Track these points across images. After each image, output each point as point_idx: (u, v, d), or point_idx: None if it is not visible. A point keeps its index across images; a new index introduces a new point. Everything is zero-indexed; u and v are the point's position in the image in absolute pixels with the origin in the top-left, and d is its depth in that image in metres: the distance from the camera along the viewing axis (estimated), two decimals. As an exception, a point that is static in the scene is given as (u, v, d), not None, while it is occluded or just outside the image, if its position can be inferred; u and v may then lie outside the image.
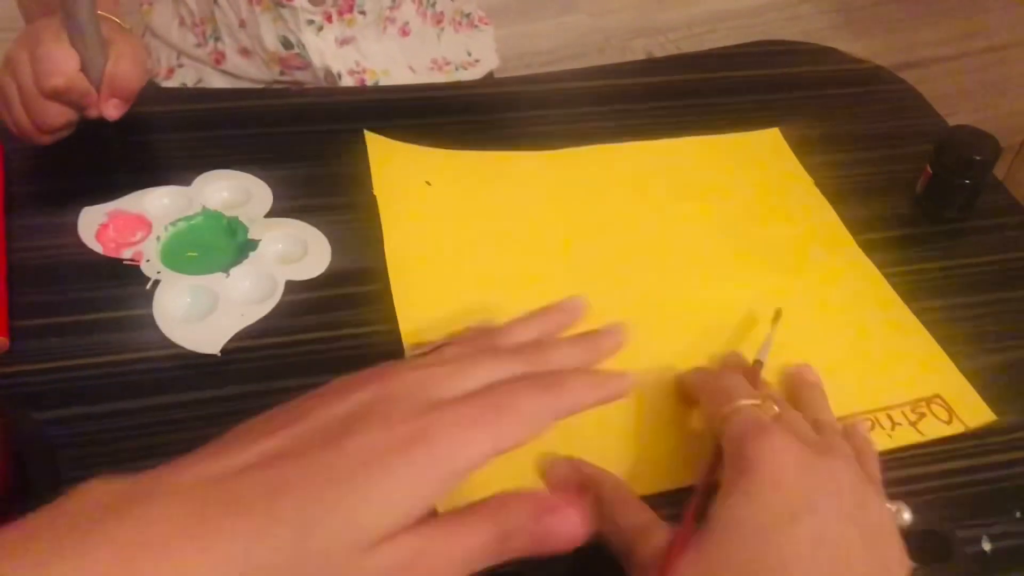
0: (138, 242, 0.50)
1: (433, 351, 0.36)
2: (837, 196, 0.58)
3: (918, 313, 0.50)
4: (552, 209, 0.55)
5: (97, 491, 0.28)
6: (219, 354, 0.44)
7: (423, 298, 0.48)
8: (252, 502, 0.28)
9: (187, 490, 0.28)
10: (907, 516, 0.38)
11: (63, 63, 0.50)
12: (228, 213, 0.52)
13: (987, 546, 0.40)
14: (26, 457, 0.39)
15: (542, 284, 0.50)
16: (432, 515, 0.29)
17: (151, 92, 0.63)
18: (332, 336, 0.47)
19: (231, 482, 0.29)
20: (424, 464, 0.29)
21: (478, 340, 0.37)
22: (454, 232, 0.53)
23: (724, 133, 0.62)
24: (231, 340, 0.45)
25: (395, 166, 0.56)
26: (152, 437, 0.41)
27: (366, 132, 0.58)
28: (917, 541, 0.38)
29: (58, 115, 0.52)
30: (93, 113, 0.52)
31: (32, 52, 0.51)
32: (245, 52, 0.74)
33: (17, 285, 0.47)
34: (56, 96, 0.51)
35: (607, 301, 0.49)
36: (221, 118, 0.60)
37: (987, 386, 0.46)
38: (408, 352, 0.45)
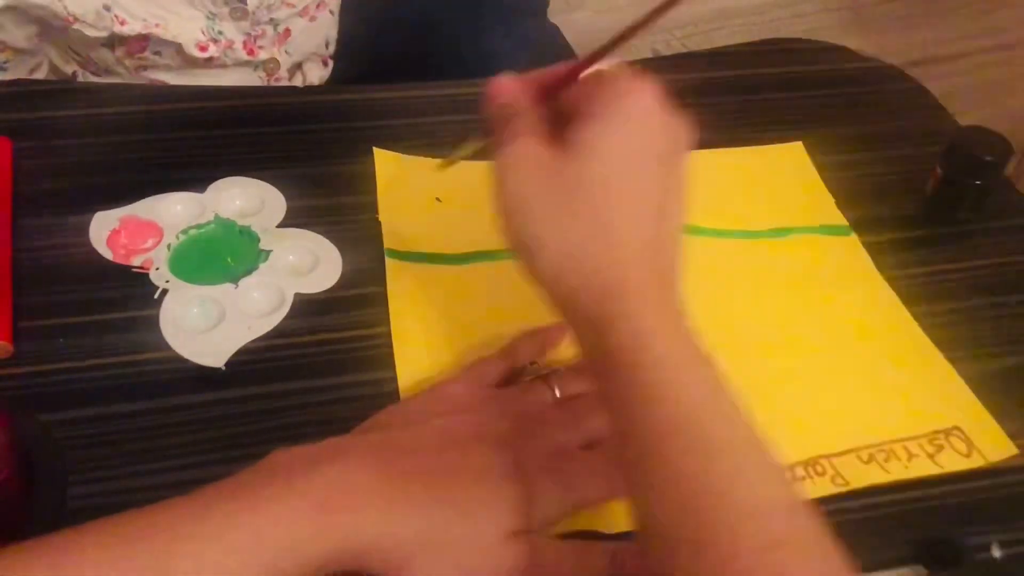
0: (149, 249, 0.50)
1: (536, 379, 0.43)
2: (846, 197, 0.58)
3: (927, 316, 0.50)
4: None
5: (283, 457, 0.34)
6: (223, 368, 0.44)
7: (425, 350, 0.46)
8: (426, 479, 0.35)
9: (367, 456, 0.35)
10: (997, 553, 0.39)
11: None
12: (241, 222, 0.52)
13: (997, 553, 0.39)
14: (33, 458, 0.39)
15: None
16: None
17: (165, 90, 0.63)
18: (336, 339, 0.47)
19: (405, 457, 0.35)
20: (558, 489, 0.37)
21: (582, 376, 0.43)
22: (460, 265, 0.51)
23: (739, 136, 0.61)
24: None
25: (404, 184, 0.55)
26: (157, 439, 0.41)
27: (375, 149, 0.57)
28: (927, 548, 0.38)
29: None
30: None
31: None
32: None
33: (25, 286, 0.47)
34: None
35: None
36: (239, 116, 0.59)
37: (999, 390, 0.46)
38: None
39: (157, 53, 0.66)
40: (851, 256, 0.54)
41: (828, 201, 0.58)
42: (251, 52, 0.68)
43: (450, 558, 0.34)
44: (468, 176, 0.57)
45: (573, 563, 0.36)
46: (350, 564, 0.33)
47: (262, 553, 0.31)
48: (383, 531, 0.33)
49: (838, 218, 0.57)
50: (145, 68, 0.68)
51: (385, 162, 0.57)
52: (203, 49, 0.66)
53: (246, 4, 0.66)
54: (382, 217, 0.53)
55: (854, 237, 0.55)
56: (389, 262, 0.50)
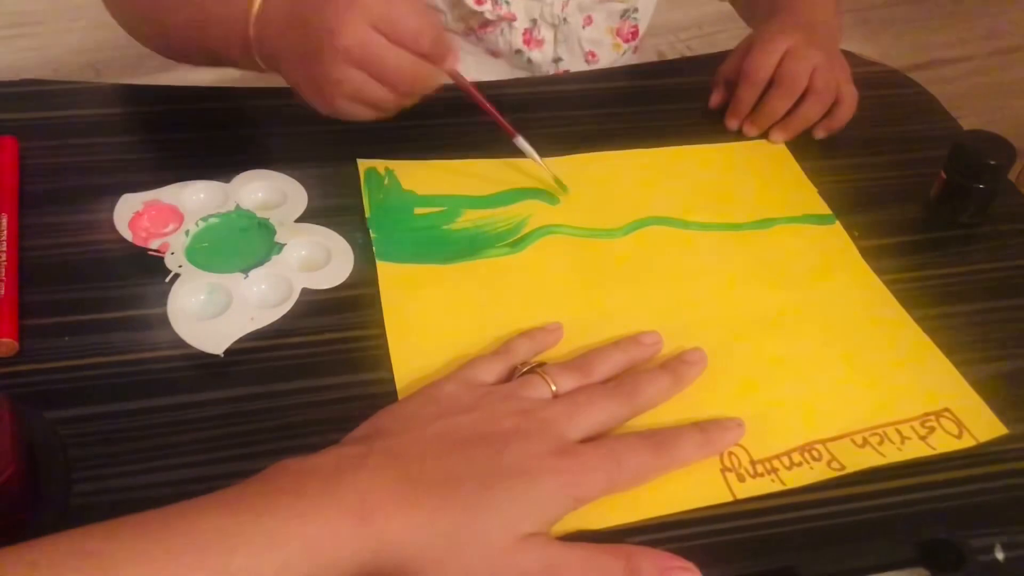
0: (168, 234, 0.50)
1: (530, 371, 0.43)
2: (850, 201, 0.58)
3: (932, 319, 0.50)
4: (551, 221, 0.54)
5: (293, 467, 0.35)
6: (222, 355, 0.44)
7: (421, 349, 0.46)
8: (434, 484, 0.35)
9: (385, 465, 0.35)
10: (1000, 555, 0.39)
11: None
12: (261, 214, 0.52)
13: (1000, 555, 0.39)
14: (37, 456, 0.39)
15: (545, 305, 0.49)
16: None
17: (176, 91, 0.63)
18: (341, 338, 0.47)
19: (415, 463, 0.36)
20: (561, 485, 0.37)
21: (576, 370, 0.43)
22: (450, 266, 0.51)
23: (742, 139, 0.62)
24: (241, 341, 0.45)
25: (389, 191, 0.56)
26: (161, 437, 0.41)
27: (359, 160, 0.57)
28: (929, 550, 0.38)
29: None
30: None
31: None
32: None
33: (30, 284, 0.47)
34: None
35: (608, 313, 0.49)
36: (268, 115, 0.59)
37: (1003, 393, 0.46)
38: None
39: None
40: (836, 244, 0.55)
41: (811, 191, 0.59)
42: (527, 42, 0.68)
43: (461, 565, 0.34)
44: (454, 175, 0.57)
45: (587, 566, 0.35)
46: (376, 574, 0.33)
47: (310, 565, 0.32)
48: (407, 540, 0.33)
49: (821, 207, 0.57)
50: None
51: (368, 169, 0.57)
52: (480, 3, 0.65)
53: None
54: (371, 224, 0.53)
55: (838, 225, 0.56)
56: (380, 264, 0.50)
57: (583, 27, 0.73)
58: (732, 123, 0.63)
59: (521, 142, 0.55)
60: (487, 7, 0.66)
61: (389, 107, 0.50)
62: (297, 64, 0.49)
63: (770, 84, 0.62)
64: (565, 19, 0.72)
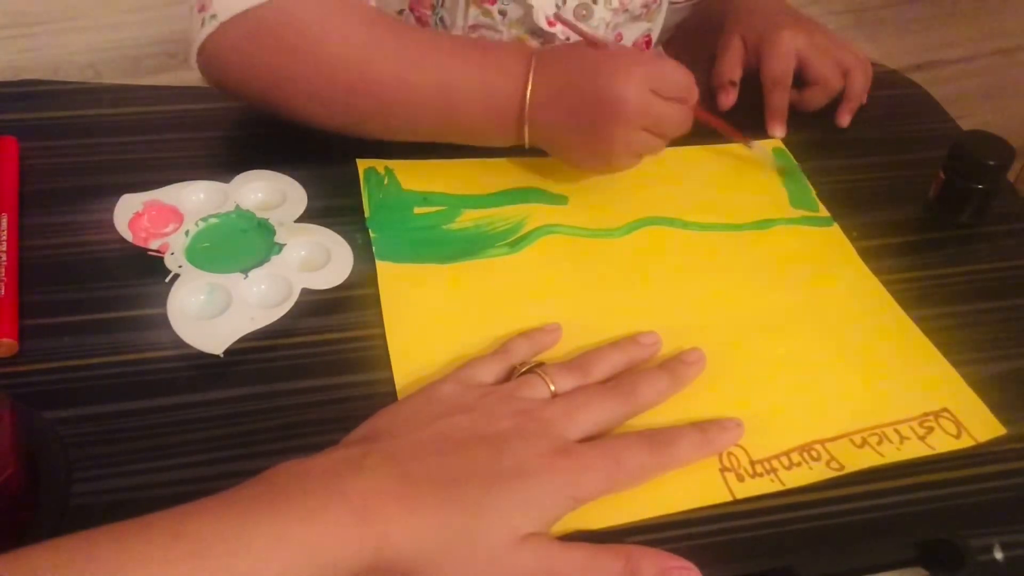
0: (168, 234, 0.50)
1: (529, 371, 0.43)
2: (849, 201, 0.58)
3: (930, 320, 0.50)
4: (550, 221, 0.54)
5: (293, 469, 0.35)
6: (221, 355, 0.44)
7: (420, 349, 0.46)
8: (434, 485, 0.35)
9: (386, 465, 0.35)
10: (999, 555, 0.39)
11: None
12: (260, 214, 0.52)
13: (999, 555, 0.39)
14: (37, 456, 0.39)
15: (544, 305, 0.49)
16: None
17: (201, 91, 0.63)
18: (340, 338, 0.47)
19: (415, 463, 0.36)
20: (560, 485, 0.37)
21: (575, 370, 0.43)
22: (452, 267, 0.51)
23: (730, 140, 0.62)
24: (240, 341, 0.45)
25: (390, 191, 0.56)
26: (161, 437, 0.41)
27: (358, 160, 0.57)
28: (928, 549, 0.38)
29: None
30: None
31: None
32: None
33: (29, 284, 0.47)
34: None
35: (607, 313, 0.49)
36: (268, 115, 0.59)
37: (1001, 393, 0.46)
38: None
39: (503, 13, 0.65)
40: (834, 246, 0.55)
41: (810, 191, 0.59)
42: None
43: (462, 566, 0.34)
44: (453, 174, 0.57)
45: (587, 566, 0.35)
46: (377, 575, 0.33)
47: (312, 567, 0.32)
48: (408, 540, 0.33)
49: (820, 210, 0.58)
50: (479, 27, 0.67)
51: (368, 169, 0.57)
52: (552, 24, 0.65)
53: (595, 4, 0.66)
54: (371, 224, 0.53)
55: (836, 227, 0.56)
56: (380, 264, 0.50)
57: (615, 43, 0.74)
58: (781, 130, 0.64)
59: (756, 146, 0.60)
60: (558, 28, 0.66)
61: (658, 151, 0.55)
62: (574, 132, 0.53)
63: (771, 84, 0.62)
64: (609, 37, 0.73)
